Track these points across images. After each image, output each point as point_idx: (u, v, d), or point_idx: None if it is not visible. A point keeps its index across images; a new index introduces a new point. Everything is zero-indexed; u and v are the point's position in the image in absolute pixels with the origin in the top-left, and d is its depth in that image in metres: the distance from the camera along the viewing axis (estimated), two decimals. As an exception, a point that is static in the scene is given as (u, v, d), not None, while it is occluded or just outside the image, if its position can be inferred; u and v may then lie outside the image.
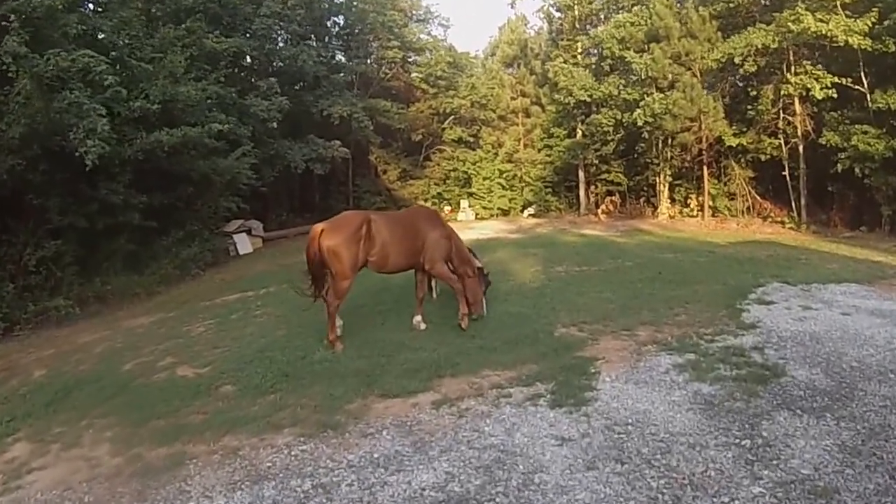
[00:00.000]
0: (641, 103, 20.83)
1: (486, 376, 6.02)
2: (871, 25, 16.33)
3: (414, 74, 29.65)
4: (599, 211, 26.15)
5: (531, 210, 27.87)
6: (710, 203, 22.48)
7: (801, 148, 19.64)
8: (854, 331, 6.79)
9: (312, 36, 26.14)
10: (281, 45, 24.08)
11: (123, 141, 13.04)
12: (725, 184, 22.62)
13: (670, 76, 21.06)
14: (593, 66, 25.37)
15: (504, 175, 28.31)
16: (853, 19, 16.57)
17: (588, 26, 27.35)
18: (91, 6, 15.49)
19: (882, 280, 9.81)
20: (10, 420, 5.98)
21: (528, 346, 6.90)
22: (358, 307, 8.78)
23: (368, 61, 28.07)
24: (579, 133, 26.00)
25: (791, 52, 19.06)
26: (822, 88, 17.79)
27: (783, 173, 20.23)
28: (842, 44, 16.76)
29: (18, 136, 11.06)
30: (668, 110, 20.03)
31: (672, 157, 23.46)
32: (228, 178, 17.05)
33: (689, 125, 20.98)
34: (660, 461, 4.14)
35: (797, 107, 19.43)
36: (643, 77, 21.40)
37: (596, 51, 26.17)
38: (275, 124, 21.37)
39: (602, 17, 26.96)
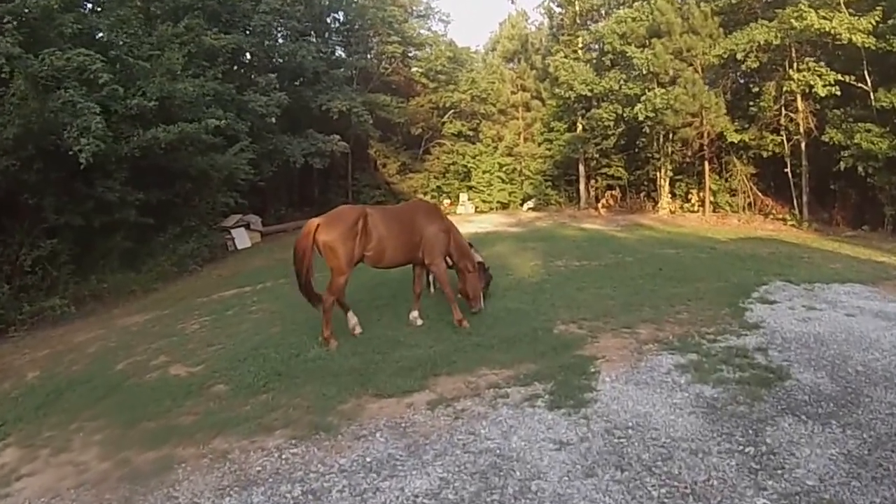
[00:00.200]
0: (643, 98, 20.71)
1: (483, 375, 5.89)
2: (874, 24, 16.16)
3: (414, 69, 29.55)
4: (599, 205, 26.05)
5: (531, 204, 27.75)
6: (711, 198, 22.34)
7: (803, 145, 19.48)
8: (859, 333, 6.64)
9: (312, 32, 26.02)
10: (280, 41, 23.95)
11: (120, 138, 13.02)
12: (727, 180, 22.49)
13: (672, 72, 20.90)
14: (594, 61, 25.21)
15: (504, 169, 28.19)
16: (857, 17, 16.41)
17: (589, 21, 27.24)
18: (89, 5, 15.42)
19: (886, 281, 9.66)
20: (2, 425, 5.89)
21: (527, 343, 6.76)
22: (354, 302, 8.64)
23: (368, 56, 27.94)
24: (580, 127, 25.91)
25: (793, 49, 18.90)
26: (824, 86, 17.62)
27: (785, 170, 20.08)
28: (845, 42, 16.59)
29: (13, 137, 11.02)
30: (670, 105, 19.89)
31: (673, 152, 23.32)
32: (226, 174, 16.95)
33: (691, 120, 20.84)
34: (661, 468, 4.01)
35: (799, 104, 19.26)
36: (644, 72, 21.25)
37: (597, 46, 26.07)
38: (273, 119, 21.30)
39: (603, 12, 26.79)
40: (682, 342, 6.54)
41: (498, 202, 27.88)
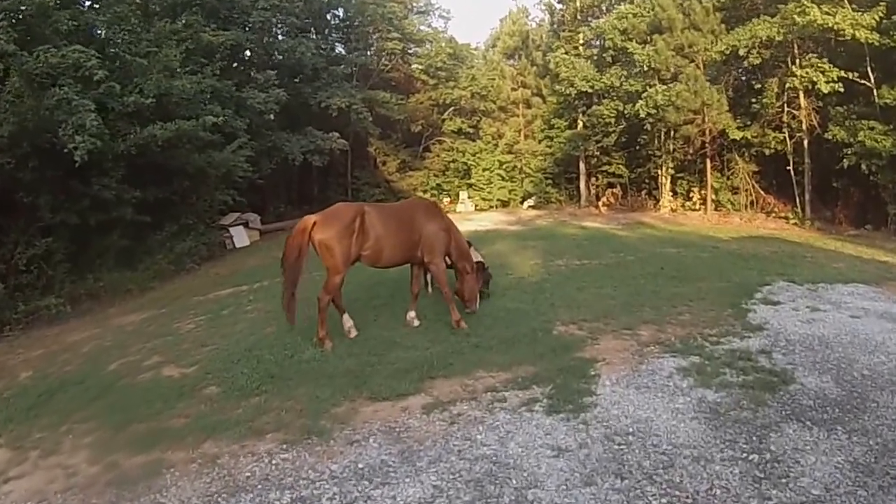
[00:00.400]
0: (644, 95, 20.59)
1: (481, 378, 5.77)
2: (878, 20, 16.03)
3: (414, 66, 29.39)
4: (600, 203, 25.94)
5: (531, 202, 27.62)
6: (713, 197, 22.20)
7: (805, 142, 19.39)
8: (864, 335, 6.52)
9: (312, 28, 25.92)
10: (280, 37, 23.86)
11: (117, 136, 12.96)
12: (728, 177, 22.37)
13: (673, 68, 20.76)
14: (595, 58, 25.09)
15: (504, 166, 28.05)
16: (860, 13, 16.26)
17: (590, 17, 27.08)
18: (87, 3, 15.32)
19: (890, 281, 9.54)
20: (-8, 426, 5.80)
21: (526, 345, 6.64)
22: (350, 302, 8.52)
23: (368, 53, 27.79)
24: (580, 124, 25.76)
25: (796, 45, 18.77)
26: (827, 82, 17.50)
27: (787, 168, 19.95)
28: (848, 38, 16.46)
29: (8, 135, 10.95)
30: (671, 102, 19.75)
31: (674, 150, 23.17)
32: (224, 171, 16.85)
33: (693, 118, 20.68)
34: (662, 476, 3.89)
35: (802, 100, 19.12)
36: (645, 69, 21.12)
37: (598, 42, 25.95)
38: (272, 116, 21.19)
39: (604, 8, 26.69)
40: (684, 344, 6.41)
41: (498, 200, 27.75)
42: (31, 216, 11.91)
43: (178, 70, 14.68)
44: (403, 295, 8.31)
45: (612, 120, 23.08)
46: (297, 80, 23.91)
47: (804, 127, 19.21)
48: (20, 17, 11.76)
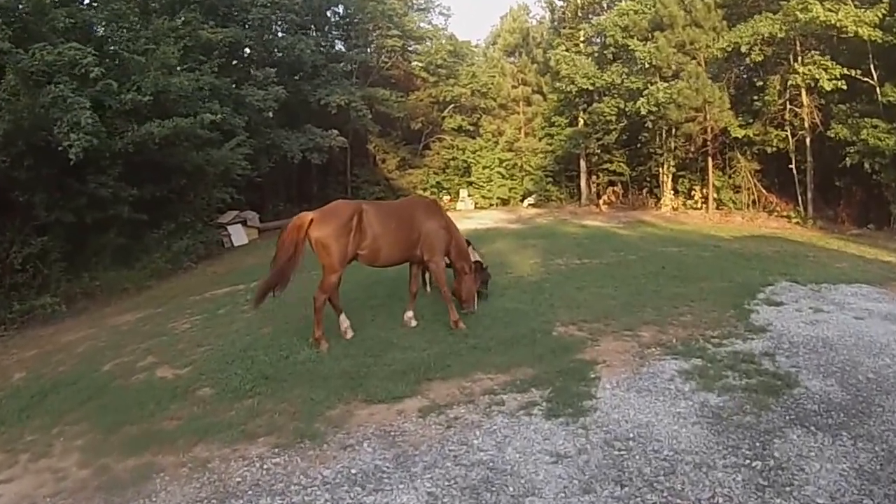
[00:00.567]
0: (645, 92, 20.50)
1: (478, 380, 5.66)
2: (881, 17, 15.92)
3: (414, 63, 29.37)
4: (601, 201, 25.87)
5: (531, 200, 27.57)
6: (715, 195, 22.10)
7: (808, 141, 19.28)
8: (869, 338, 6.40)
9: (312, 25, 25.86)
10: (280, 35, 23.77)
11: (114, 134, 12.86)
12: (730, 176, 22.26)
13: (674, 65, 20.66)
14: (596, 55, 25.05)
15: (504, 164, 28.02)
16: (863, 10, 16.14)
17: (591, 14, 27.06)
18: (86, 0, 15.22)
19: (894, 282, 9.39)
20: (-17, 428, 5.70)
21: (524, 346, 6.52)
22: (348, 301, 8.41)
23: (368, 50, 27.74)
24: (581, 122, 25.70)
25: (798, 43, 18.65)
26: (830, 80, 17.41)
27: (790, 166, 19.85)
28: (851, 35, 16.35)
29: (2, 134, 10.83)
30: (673, 100, 19.65)
31: (676, 148, 23.07)
32: (222, 169, 16.75)
33: (694, 115, 20.57)
34: (663, 484, 3.78)
35: (804, 98, 19.01)
36: (647, 66, 21.03)
37: (599, 39, 25.90)
38: (271, 114, 21.12)
39: (605, 5, 26.67)
40: (685, 346, 6.29)
41: (498, 198, 27.73)
42: (27, 215, 11.79)
43: (176, 67, 14.59)
44: (401, 294, 8.22)
45: (613, 118, 22.99)
46: (296, 78, 23.83)
47: (806, 125, 19.10)
48: (17, 14, 11.66)
